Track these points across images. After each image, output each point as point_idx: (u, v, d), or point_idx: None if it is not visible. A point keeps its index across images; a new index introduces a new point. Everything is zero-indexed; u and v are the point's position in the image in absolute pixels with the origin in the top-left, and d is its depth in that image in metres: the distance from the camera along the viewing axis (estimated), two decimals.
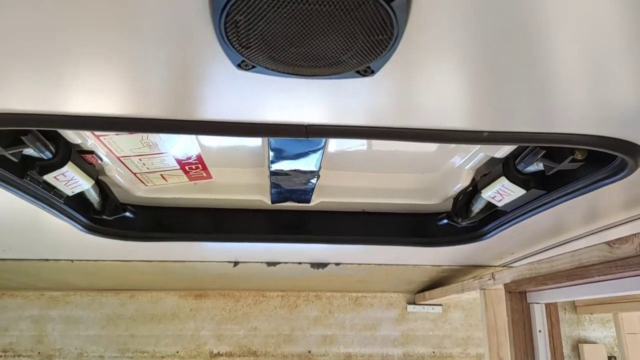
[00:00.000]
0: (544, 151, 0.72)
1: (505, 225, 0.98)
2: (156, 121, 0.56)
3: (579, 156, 0.71)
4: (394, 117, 0.56)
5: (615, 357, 1.74)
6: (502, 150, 0.80)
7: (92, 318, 1.70)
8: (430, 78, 0.49)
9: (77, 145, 0.81)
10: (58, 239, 1.12)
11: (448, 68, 0.47)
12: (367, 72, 0.42)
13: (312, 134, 0.57)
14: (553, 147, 0.71)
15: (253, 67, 0.41)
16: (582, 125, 0.58)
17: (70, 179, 0.84)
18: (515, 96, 0.53)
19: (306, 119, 0.56)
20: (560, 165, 0.72)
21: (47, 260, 1.32)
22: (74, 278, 1.50)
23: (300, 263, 1.43)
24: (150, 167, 0.94)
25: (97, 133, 0.78)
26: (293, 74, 0.42)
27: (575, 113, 0.56)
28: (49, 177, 0.80)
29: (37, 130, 0.69)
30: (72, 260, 1.30)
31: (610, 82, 0.49)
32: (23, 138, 0.67)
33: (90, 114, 0.55)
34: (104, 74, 0.49)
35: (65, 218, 0.92)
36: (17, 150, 0.69)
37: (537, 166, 0.78)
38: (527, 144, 0.64)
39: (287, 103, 0.53)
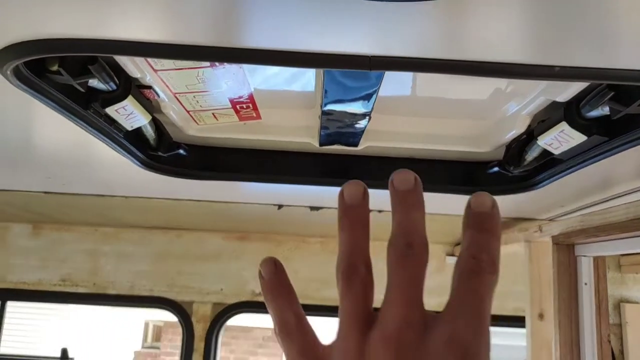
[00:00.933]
0: (612, 93, 0.69)
1: (560, 175, 0.96)
2: (204, 48, 0.56)
3: None
4: (460, 49, 0.54)
5: None
6: (566, 93, 0.77)
7: (142, 254, 1.79)
8: (497, 3, 0.47)
9: (137, 80, 0.83)
10: (114, 174, 1.17)
11: None
12: None
13: (376, 66, 0.56)
14: (623, 87, 0.68)
15: None
16: None
17: (130, 113, 0.87)
18: (585, 26, 0.50)
19: (369, 49, 0.55)
20: (629, 109, 0.69)
21: (102, 196, 1.38)
22: (126, 214, 1.58)
23: None
24: (204, 105, 0.96)
25: (155, 67, 0.79)
26: None
27: None
28: (110, 110, 0.83)
29: (103, 61, 0.71)
30: (125, 197, 1.36)
31: None
32: (90, 67, 0.69)
33: (141, 40, 0.56)
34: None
35: (124, 152, 0.96)
36: (84, 80, 0.71)
37: (602, 110, 0.75)
38: (600, 81, 0.61)
39: (347, 30, 0.52)
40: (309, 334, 0.31)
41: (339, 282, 0.29)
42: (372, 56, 0.56)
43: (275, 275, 0.32)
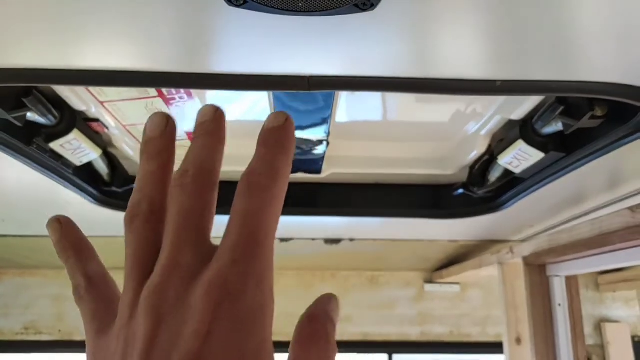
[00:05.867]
0: (562, 107, 0.68)
1: (524, 194, 0.94)
2: (144, 74, 0.54)
3: (598, 112, 0.67)
4: (401, 65, 0.53)
5: (639, 337, 1.70)
6: (520, 110, 0.77)
7: None
8: (437, 17, 0.46)
9: (82, 112, 0.80)
10: (69, 213, 1.12)
11: (457, 5, 0.44)
12: (367, 5, 0.40)
13: (315, 86, 0.54)
14: (573, 101, 0.67)
15: (244, 1, 0.39)
16: (603, 72, 0.55)
17: (77, 148, 0.83)
18: (531, 41, 0.50)
19: (308, 69, 0.54)
20: (580, 123, 0.69)
21: None
22: None
23: (313, 239, 1.41)
24: None
25: (100, 99, 0.77)
26: (285, 10, 0.40)
27: (596, 59, 0.53)
28: (55, 145, 0.80)
29: (39, 93, 0.69)
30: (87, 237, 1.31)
31: (636, 24, 0.46)
32: (25, 100, 0.66)
33: (86, 68, 0.54)
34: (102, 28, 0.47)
35: (75, 189, 0.92)
36: (20, 114, 0.68)
37: (556, 126, 0.75)
38: (544, 94, 0.61)
39: (287, 50, 0.50)
40: (99, 297, 0.27)
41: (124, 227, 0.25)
42: (310, 76, 0.54)
43: (62, 236, 0.28)
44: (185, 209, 0.24)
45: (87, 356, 0.25)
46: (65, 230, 0.28)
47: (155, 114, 0.27)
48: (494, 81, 0.54)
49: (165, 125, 0.27)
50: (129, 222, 0.25)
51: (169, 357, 0.20)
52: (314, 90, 0.54)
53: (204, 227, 0.24)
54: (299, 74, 0.54)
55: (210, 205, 0.24)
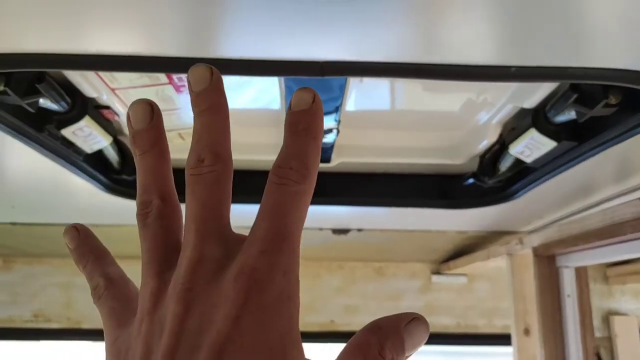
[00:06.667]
0: (576, 95, 0.68)
1: (534, 183, 0.94)
2: (154, 59, 0.54)
3: (612, 100, 0.66)
4: (416, 50, 0.53)
5: None
6: (533, 99, 0.76)
7: None
8: (450, 3, 0.45)
9: (93, 99, 0.81)
10: (79, 201, 1.13)
11: None
12: None
13: (328, 71, 0.54)
14: (587, 89, 0.66)
15: None
16: (619, 59, 0.54)
17: (89, 135, 0.84)
18: (546, 25, 0.49)
19: (321, 54, 0.53)
20: (593, 111, 0.68)
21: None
22: None
23: (321, 229, 1.42)
24: (168, 125, 0.93)
25: (111, 85, 0.77)
26: None
27: (611, 45, 0.52)
28: (67, 132, 0.80)
29: (52, 79, 0.69)
30: (96, 225, 1.31)
31: None
32: (38, 86, 0.66)
33: (95, 53, 0.54)
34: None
35: (86, 176, 0.93)
36: (33, 100, 0.68)
37: (568, 115, 0.74)
38: (560, 80, 0.60)
39: (300, 35, 0.50)
40: (118, 296, 0.27)
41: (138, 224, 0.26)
42: (324, 62, 0.54)
43: (80, 242, 0.29)
44: (205, 201, 0.23)
45: (106, 346, 0.25)
46: (83, 237, 0.29)
47: (136, 102, 0.26)
48: (509, 67, 0.54)
49: (150, 113, 0.26)
50: (142, 218, 0.26)
51: (199, 338, 0.21)
52: (327, 76, 0.54)
53: (225, 217, 0.24)
54: (312, 59, 0.53)
55: (228, 194, 0.24)
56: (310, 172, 0.23)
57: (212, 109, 0.24)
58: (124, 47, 0.53)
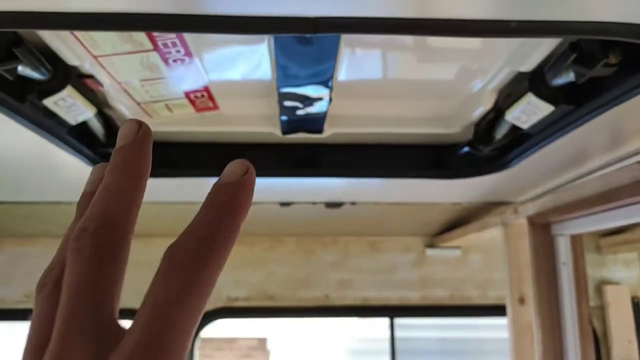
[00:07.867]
0: (575, 54, 0.66)
1: (530, 150, 0.93)
2: (132, 15, 0.51)
3: (612, 59, 0.65)
4: (412, 4, 0.50)
5: (638, 298, 1.71)
6: (530, 62, 0.74)
7: None
8: None
9: (76, 68, 0.77)
10: (66, 177, 1.11)
11: None
12: None
13: (322, 28, 0.52)
14: (584, 47, 0.65)
15: None
16: (621, 11, 0.52)
17: (71, 105, 0.81)
18: None
19: (313, 10, 0.51)
20: (593, 71, 0.66)
21: (60, 203, 1.31)
22: None
23: (314, 203, 1.40)
24: (155, 95, 0.90)
25: (94, 52, 0.73)
26: None
27: None
28: (49, 102, 0.77)
29: (30, 44, 0.66)
30: None
31: None
32: (15, 50, 0.63)
33: (70, 10, 0.51)
34: None
35: (70, 149, 0.90)
36: (11, 66, 0.65)
37: (567, 77, 0.72)
38: (561, 35, 0.58)
39: None
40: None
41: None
42: (317, 18, 0.51)
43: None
44: (79, 285, 0.19)
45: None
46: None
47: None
48: (509, 21, 0.52)
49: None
50: (39, 286, 0.22)
51: None
52: (320, 33, 0.52)
53: (107, 303, 0.19)
54: (304, 15, 0.51)
55: (116, 272, 0.20)
56: (214, 253, 0.21)
57: (124, 166, 0.22)
58: (104, 4, 0.50)
